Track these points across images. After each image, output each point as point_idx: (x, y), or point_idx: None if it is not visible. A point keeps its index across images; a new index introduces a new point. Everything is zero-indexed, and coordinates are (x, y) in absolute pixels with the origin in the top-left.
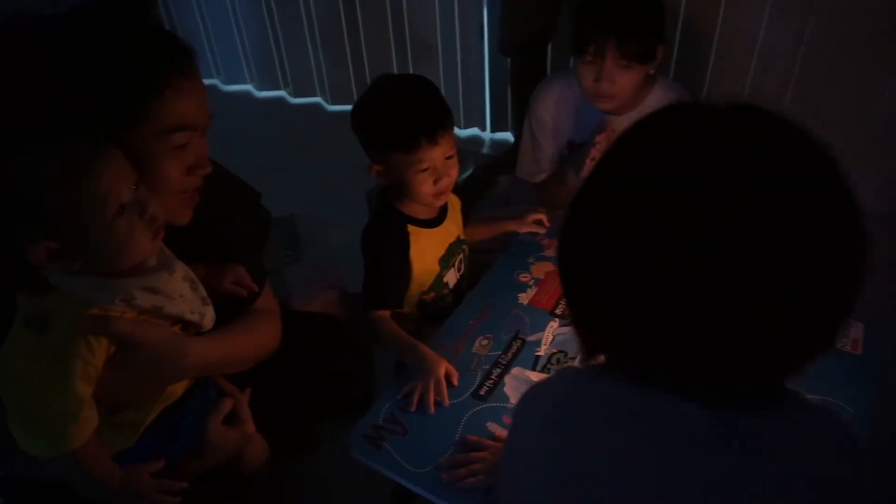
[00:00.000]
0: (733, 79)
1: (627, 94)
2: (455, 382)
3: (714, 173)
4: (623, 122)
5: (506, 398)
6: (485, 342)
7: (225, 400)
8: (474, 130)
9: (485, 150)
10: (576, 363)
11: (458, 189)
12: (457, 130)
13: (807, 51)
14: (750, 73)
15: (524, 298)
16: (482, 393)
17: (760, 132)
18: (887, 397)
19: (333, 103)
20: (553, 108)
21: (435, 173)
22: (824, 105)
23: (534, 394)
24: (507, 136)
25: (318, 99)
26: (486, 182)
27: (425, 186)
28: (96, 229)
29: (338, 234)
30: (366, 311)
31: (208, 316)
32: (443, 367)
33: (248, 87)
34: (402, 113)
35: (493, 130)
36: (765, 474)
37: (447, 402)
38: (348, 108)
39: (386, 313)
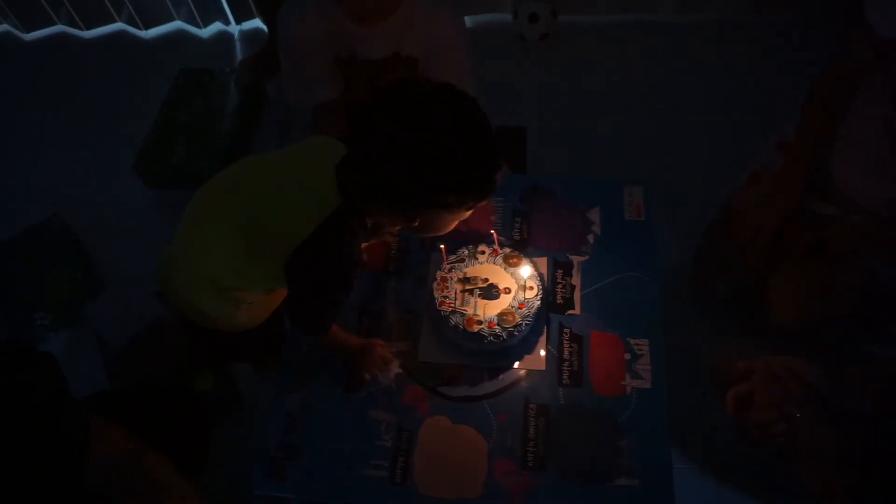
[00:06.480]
0: None
1: (390, 8)
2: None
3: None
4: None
5: (376, 383)
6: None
7: None
8: (218, 26)
9: (238, 48)
10: (423, 323)
11: None
12: (199, 31)
13: None
14: None
15: None
16: (353, 385)
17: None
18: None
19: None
20: (308, 31)
21: None
22: None
23: None
24: (256, 23)
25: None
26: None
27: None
28: None
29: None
30: (318, 335)
31: None
32: (375, 349)
33: None
34: (487, 162)
35: (238, 22)
36: None
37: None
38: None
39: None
